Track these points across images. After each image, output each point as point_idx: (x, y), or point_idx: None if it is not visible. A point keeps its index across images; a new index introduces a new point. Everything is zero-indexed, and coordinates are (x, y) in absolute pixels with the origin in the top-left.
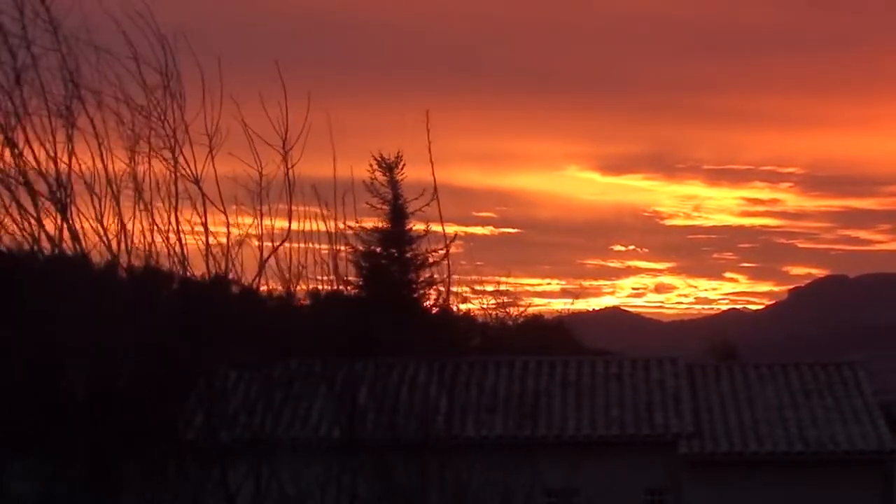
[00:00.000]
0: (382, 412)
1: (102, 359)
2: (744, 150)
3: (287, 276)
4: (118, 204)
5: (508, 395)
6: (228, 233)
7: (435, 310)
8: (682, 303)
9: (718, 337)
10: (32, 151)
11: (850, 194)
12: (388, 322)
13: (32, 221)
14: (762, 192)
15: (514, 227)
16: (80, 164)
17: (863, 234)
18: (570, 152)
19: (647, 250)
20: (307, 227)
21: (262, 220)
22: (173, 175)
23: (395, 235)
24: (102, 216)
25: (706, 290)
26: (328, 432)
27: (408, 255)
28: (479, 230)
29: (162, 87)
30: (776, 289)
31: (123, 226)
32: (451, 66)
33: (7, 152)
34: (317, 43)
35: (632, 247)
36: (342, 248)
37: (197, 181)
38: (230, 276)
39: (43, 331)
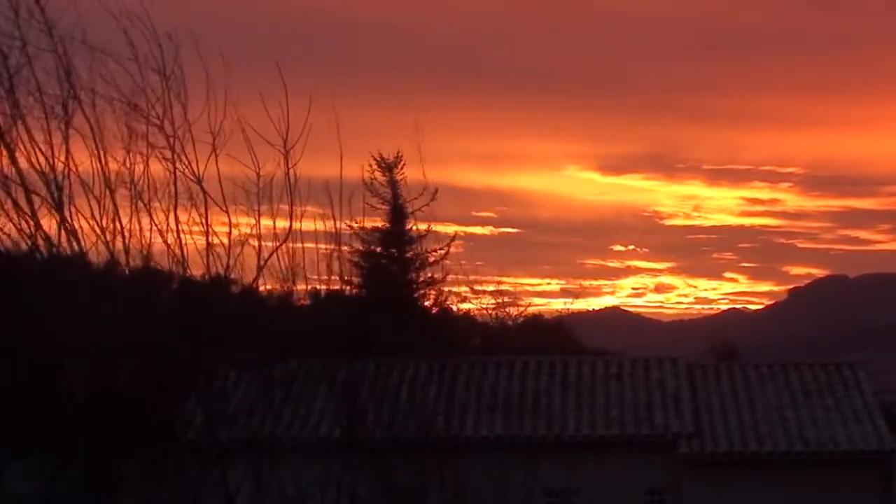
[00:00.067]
0: (382, 412)
1: (102, 359)
2: (744, 150)
3: (287, 276)
4: (115, 204)
5: (508, 395)
6: (230, 232)
7: (435, 310)
8: (682, 303)
9: (718, 337)
10: (33, 150)
11: (850, 194)
12: (388, 322)
13: (30, 221)
14: (762, 192)
15: (513, 227)
16: (76, 165)
17: (863, 234)
18: (569, 152)
19: (646, 250)
20: (308, 227)
21: (259, 219)
22: (173, 175)
23: (395, 235)
24: (101, 216)
25: (706, 290)
26: (328, 432)
27: (408, 255)
28: (478, 230)
29: (161, 86)
30: (776, 289)
31: (122, 226)
32: (451, 66)
33: (3, 153)
34: (317, 43)
35: (632, 247)
36: (342, 247)
37: (199, 181)
38: (231, 275)
39: (43, 331)
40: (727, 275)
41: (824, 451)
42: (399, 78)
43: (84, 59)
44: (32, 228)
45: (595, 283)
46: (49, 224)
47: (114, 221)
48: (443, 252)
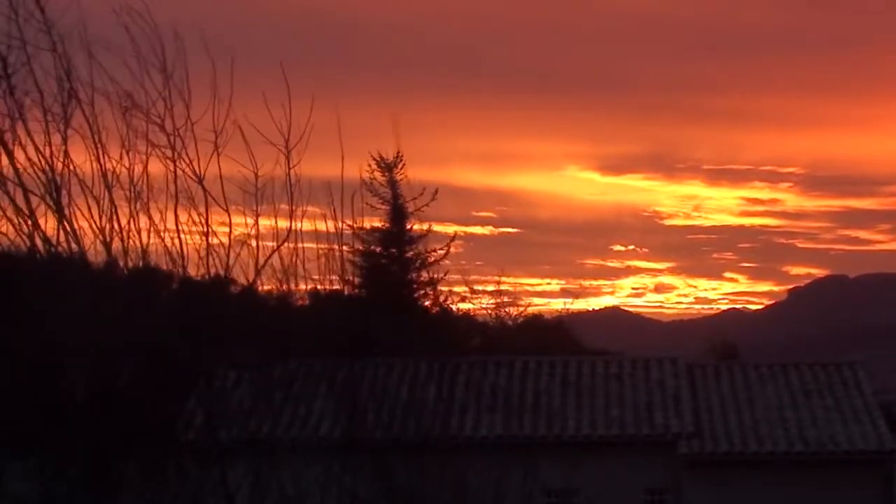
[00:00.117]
0: (382, 412)
1: (102, 359)
2: (744, 150)
3: (287, 275)
4: (114, 203)
5: (508, 395)
6: (230, 232)
7: (435, 310)
8: (681, 303)
9: (718, 337)
10: (33, 151)
11: (850, 194)
12: (388, 322)
13: (28, 221)
14: (762, 192)
15: (513, 227)
16: (73, 165)
17: (863, 234)
18: (569, 152)
19: (646, 250)
20: (308, 227)
21: (257, 219)
22: (174, 174)
23: (395, 235)
24: (101, 216)
25: (706, 290)
26: (328, 432)
27: (408, 255)
28: (478, 230)
29: (163, 83)
30: (776, 289)
31: (121, 225)
32: (451, 66)
33: (2, 153)
34: (317, 43)
35: (631, 247)
36: (342, 247)
37: (200, 180)
38: (231, 275)
39: (43, 331)
40: (727, 275)
41: (824, 451)
42: (399, 78)
43: (84, 55)
44: (31, 228)
45: (595, 283)
46: (49, 224)
47: (111, 221)
48: (443, 252)
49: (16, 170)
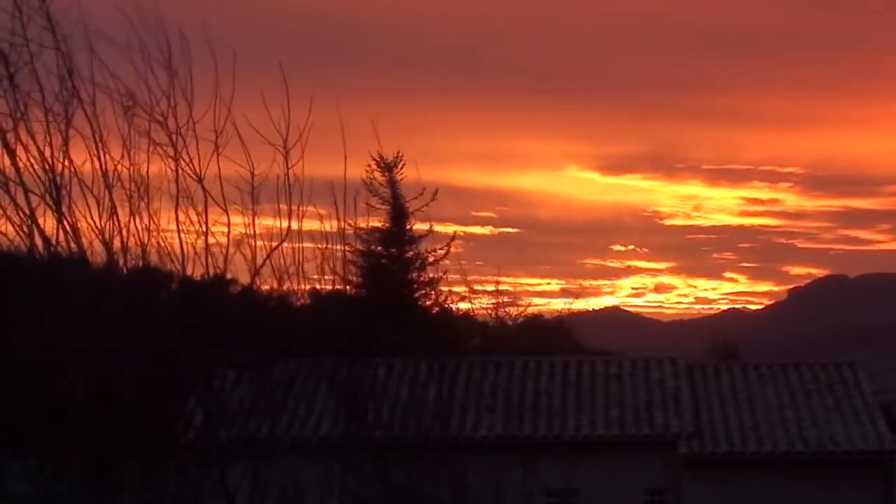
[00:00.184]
0: (382, 412)
1: (102, 359)
2: (744, 150)
3: (286, 275)
4: (114, 203)
5: (508, 395)
6: (229, 232)
7: (435, 310)
8: (681, 303)
9: (718, 337)
10: (35, 150)
11: (850, 194)
12: (388, 322)
13: (27, 221)
14: (762, 192)
15: (513, 227)
16: (74, 165)
17: (863, 234)
18: (569, 152)
19: (646, 250)
20: (307, 227)
21: (254, 219)
22: (174, 173)
23: (395, 235)
24: (101, 216)
25: (706, 289)
26: (328, 432)
27: (408, 255)
28: (478, 230)
29: (167, 82)
30: (776, 289)
31: (121, 225)
32: (451, 66)
33: (3, 153)
34: (317, 43)
35: (631, 247)
36: (342, 247)
37: (200, 179)
38: (229, 275)
39: (43, 331)
40: (727, 275)
41: (824, 451)
42: (399, 78)
43: (86, 52)
44: (31, 228)
45: (595, 283)
46: (49, 224)
47: (111, 220)
48: (443, 252)
49: (17, 169)
